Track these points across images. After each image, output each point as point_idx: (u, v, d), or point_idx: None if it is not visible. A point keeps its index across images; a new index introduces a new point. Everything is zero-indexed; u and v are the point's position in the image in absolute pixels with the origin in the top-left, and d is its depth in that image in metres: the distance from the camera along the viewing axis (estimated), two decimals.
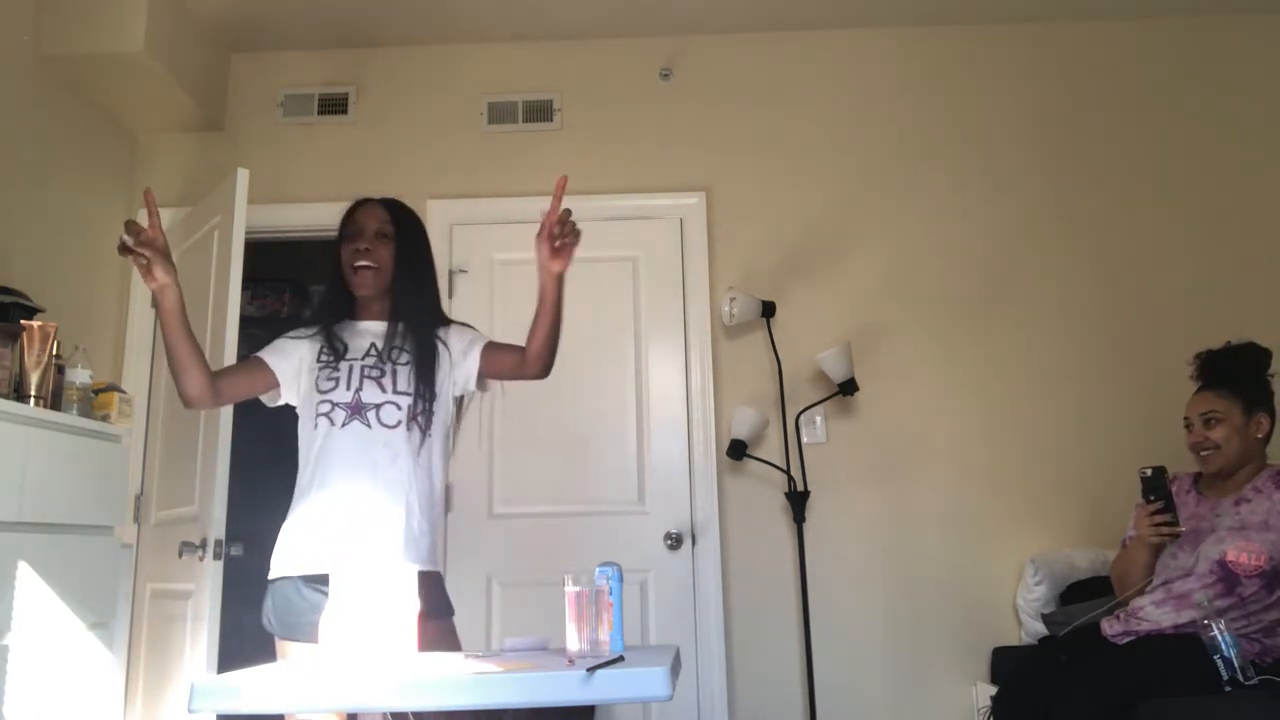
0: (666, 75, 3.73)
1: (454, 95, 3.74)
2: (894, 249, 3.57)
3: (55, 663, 2.37)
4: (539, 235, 1.91)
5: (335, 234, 2.17)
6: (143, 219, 1.88)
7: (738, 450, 3.31)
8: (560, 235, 1.88)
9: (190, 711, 1.38)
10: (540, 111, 3.71)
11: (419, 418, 2.02)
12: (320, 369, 2.05)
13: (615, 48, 3.75)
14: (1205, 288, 3.49)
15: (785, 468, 3.37)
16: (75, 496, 2.46)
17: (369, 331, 2.12)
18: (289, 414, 2.13)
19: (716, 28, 3.72)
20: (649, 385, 3.50)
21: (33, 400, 2.39)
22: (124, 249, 1.79)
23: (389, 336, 2.09)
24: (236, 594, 2.95)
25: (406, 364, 2.05)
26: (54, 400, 2.48)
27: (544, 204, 1.90)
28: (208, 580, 2.79)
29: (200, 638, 2.78)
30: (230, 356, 2.93)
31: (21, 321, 2.46)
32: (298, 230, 3.62)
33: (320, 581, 1.86)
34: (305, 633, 1.88)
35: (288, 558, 1.98)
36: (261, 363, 2.08)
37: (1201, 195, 3.57)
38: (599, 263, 3.48)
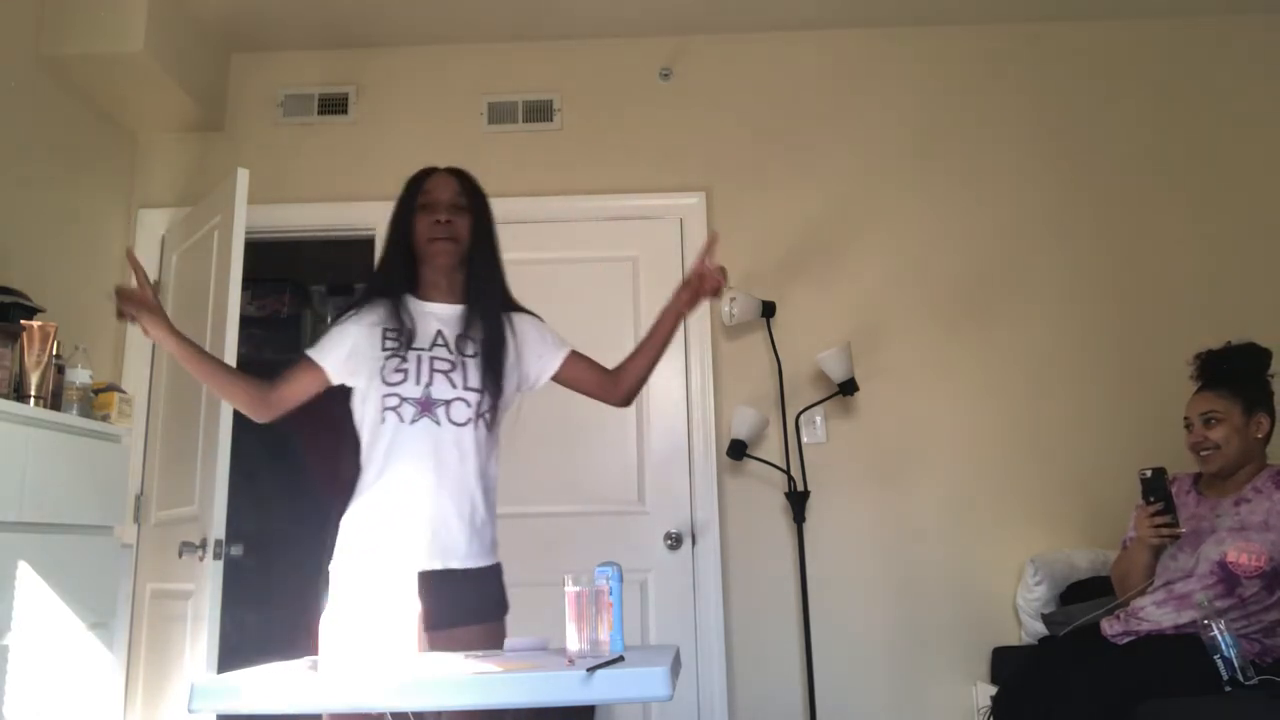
0: (666, 75, 3.73)
1: (454, 95, 3.73)
2: (894, 249, 3.57)
3: (55, 663, 2.37)
4: (686, 284, 2.09)
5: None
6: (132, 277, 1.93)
7: (738, 450, 3.31)
8: (715, 286, 2.07)
9: (190, 711, 1.38)
10: (540, 111, 3.71)
11: (486, 414, 2.00)
12: (387, 357, 1.99)
13: (615, 48, 3.75)
14: (1205, 288, 3.48)
15: (785, 468, 3.37)
16: (75, 496, 2.46)
17: (434, 315, 2.06)
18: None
19: (716, 28, 3.71)
20: (649, 385, 3.47)
21: (33, 400, 2.39)
22: (120, 314, 1.88)
23: (461, 323, 2.05)
24: (237, 594, 2.96)
25: (475, 356, 2.02)
26: (54, 400, 2.48)
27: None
28: (208, 580, 2.80)
29: (200, 638, 2.78)
30: (230, 357, 2.93)
31: (21, 321, 2.46)
32: (298, 230, 3.62)
33: None
34: None
35: (352, 552, 1.96)
36: (312, 363, 2.05)
37: (1201, 195, 3.57)
38: (599, 263, 3.49)
